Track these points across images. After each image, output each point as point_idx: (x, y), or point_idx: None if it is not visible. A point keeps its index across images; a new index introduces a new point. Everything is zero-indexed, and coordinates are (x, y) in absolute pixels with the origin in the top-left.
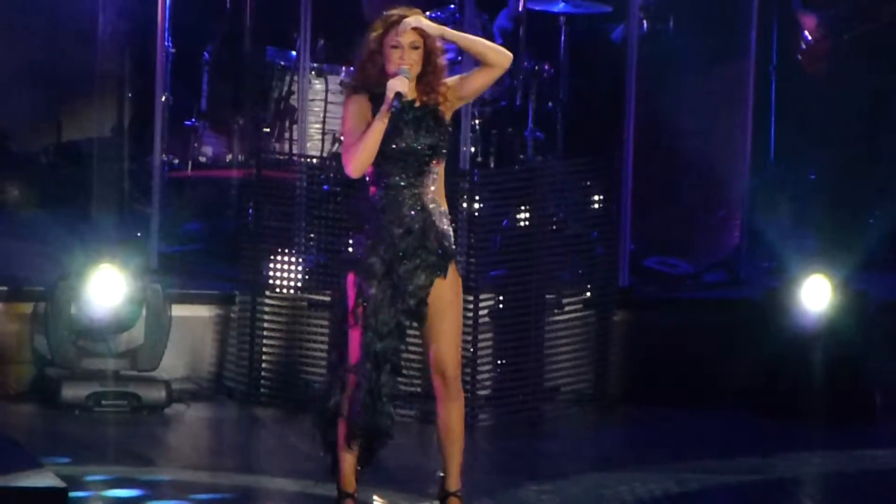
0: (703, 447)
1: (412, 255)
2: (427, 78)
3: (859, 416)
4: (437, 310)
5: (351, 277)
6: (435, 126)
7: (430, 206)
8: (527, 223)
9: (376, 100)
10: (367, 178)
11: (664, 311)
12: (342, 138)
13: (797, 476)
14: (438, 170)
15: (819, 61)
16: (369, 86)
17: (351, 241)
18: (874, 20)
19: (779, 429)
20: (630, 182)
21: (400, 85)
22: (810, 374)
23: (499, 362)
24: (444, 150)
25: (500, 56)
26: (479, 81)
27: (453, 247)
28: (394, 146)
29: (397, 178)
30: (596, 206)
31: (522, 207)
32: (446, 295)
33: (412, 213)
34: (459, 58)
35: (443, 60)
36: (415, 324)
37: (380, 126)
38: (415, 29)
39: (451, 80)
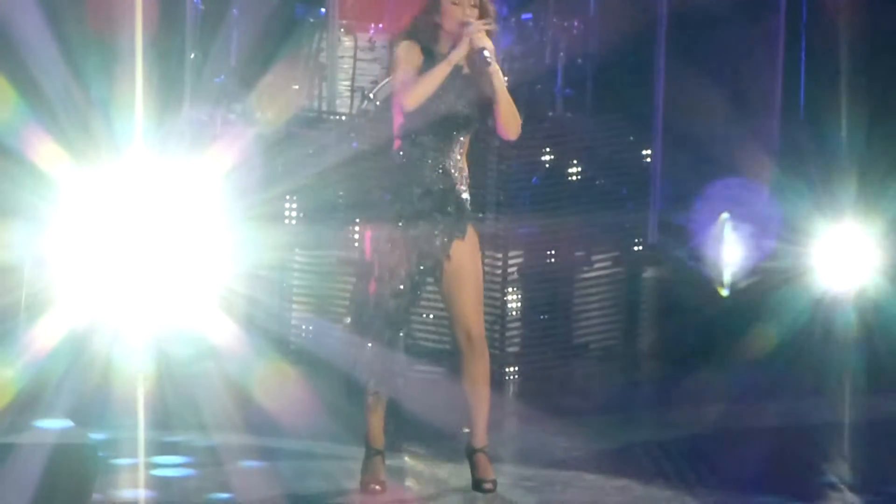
0: (731, 405)
1: (430, 215)
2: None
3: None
4: (456, 271)
5: (368, 233)
6: (475, 98)
7: (452, 170)
8: (556, 180)
9: (428, 53)
10: (395, 133)
11: (694, 269)
12: (393, 81)
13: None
14: (466, 139)
15: (847, 11)
16: (422, 39)
17: (371, 195)
18: None
19: (807, 394)
20: (660, 139)
21: (487, 42)
22: (843, 337)
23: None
24: (477, 121)
25: (511, 126)
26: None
27: (469, 210)
28: (433, 107)
29: (426, 138)
30: (626, 162)
31: (552, 165)
32: (464, 256)
33: (434, 174)
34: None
35: (494, 23)
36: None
37: (445, 68)
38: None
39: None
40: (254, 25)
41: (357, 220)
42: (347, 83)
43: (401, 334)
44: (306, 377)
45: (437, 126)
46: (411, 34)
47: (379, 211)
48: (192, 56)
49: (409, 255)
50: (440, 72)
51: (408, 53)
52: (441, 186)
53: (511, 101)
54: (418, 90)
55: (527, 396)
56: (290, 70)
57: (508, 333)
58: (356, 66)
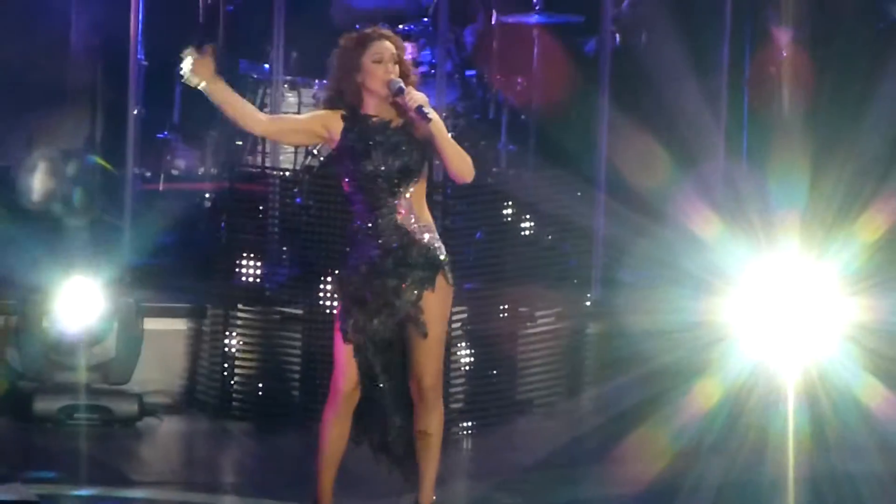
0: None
1: (394, 272)
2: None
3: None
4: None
5: (339, 297)
6: (408, 148)
7: (406, 224)
8: (500, 236)
9: (353, 114)
10: (349, 201)
11: (637, 323)
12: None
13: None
14: (414, 189)
15: (793, 75)
16: (344, 100)
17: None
18: (847, 39)
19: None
20: (603, 194)
21: (421, 98)
22: (782, 387)
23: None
24: (417, 171)
25: (463, 169)
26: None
27: (441, 257)
28: (364, 170)
29: (370, 200)
30: (568, 218)
31: (495, 220)
32: (432, 307)
33: (387, 232)
34: (433, 70)
35: (415, 78)
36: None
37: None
38: (393, 54)
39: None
40: None
41: (306, 278)
42: None
43: (381, 386)
44: (248, 433)
45: (375, 186)
46: (334, 99)
47: (345, 275)
48: (136, 112)
49: (380, 312)
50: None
51: (320, 114)
52: (398, 243)
53: (456, 144)
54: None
55: (471, 452)
56: (234, 126)
57: (452, 389)
58: None
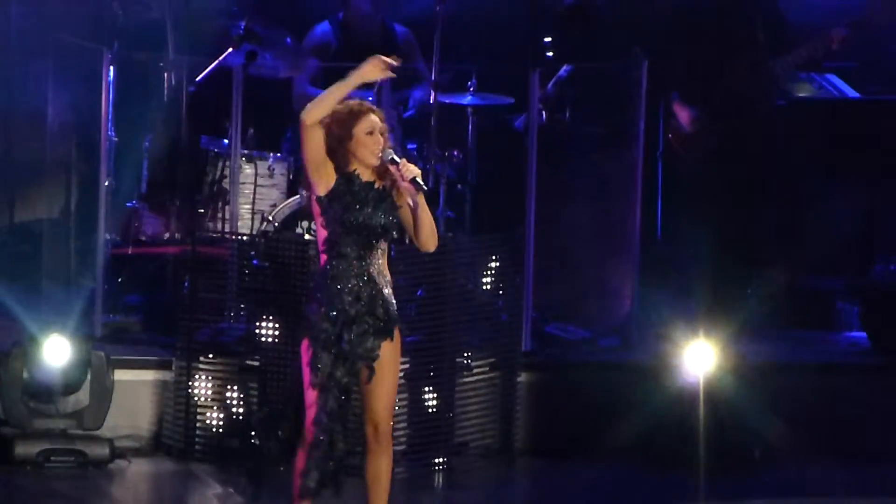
0: (596, 497)
1: (361, 321)
2: (382, 164)
3: (739, 468)
4: (378, 368)
5: (305, 342)
6: (388, 209)
7: (377, 276)
8: (439, 293)
9: (341, 173)
10: (321, 249)
11: (563, 373)
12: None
13: None
14: (385, 246)
15: (691, 148)
16: (333, 161)
17: (306, 308)
18: (740, 117)
19: (666, 480)
20: (532, 256)
21: (416, 171)
22: (694, 429)
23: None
24: (392, 231)
25: (430, 239)
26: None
27: (396, 312)
28: (352, 220)
29: (349, 250)
30: (501, 277)
31: (435, 279)
32: (388, 356)
33: (360, 282)
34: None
35: (392, 149)
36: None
37: (344, 89)
38: (382, 127)
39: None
40: (163, 155)
41: (263, 333)
42: (248, 206)
43: (339, 433)
44: (211, 474)
45: (357, 236)
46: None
47: (314, 321)
48: (107, 183)
49: (344, 358)
50: (341, 89)
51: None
52: (368, 292)
53: (431, 217)
54: (322, 105)
55: (412, 493)
56: (196, 194)
57: (395, 434)
58: (256, 191)
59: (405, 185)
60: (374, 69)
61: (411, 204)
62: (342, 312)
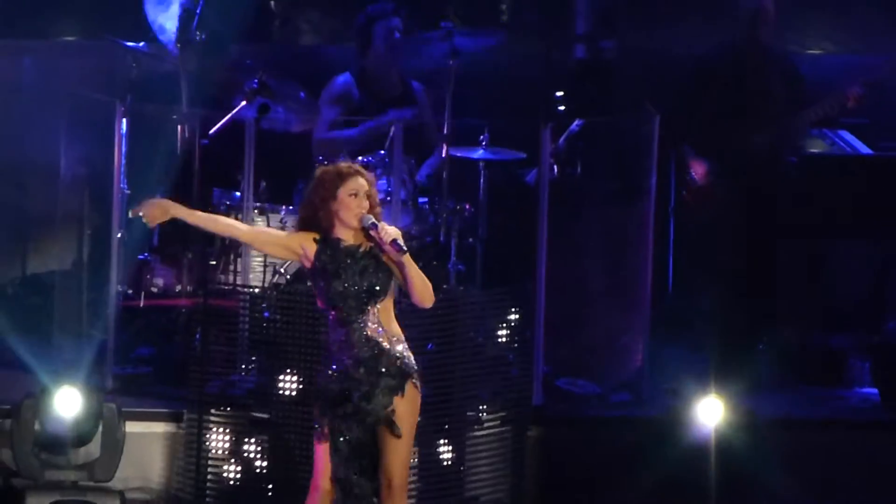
0: None
1: (366, 380)
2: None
3: None
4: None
5: (317, 409)
6: (375, 270)
7: (376, 336)
8: (450, 347)
9: (323, 237)
10: (323, 315)
11: (574, 427)
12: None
13: None
14: (381, 305)
15: (704, 201)
16: (318, 223)
17: (316, 374)
18: (757, 171)
19: None
20: (542, 310)
21: (396, 232)
22: (705, 485)
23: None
24: (384, 291)
25: (425, 296)
26: (398, 276)
27: (408, 366)
28: (337, 289)
29: (342, 316)
30: (511, 331)
31: (446, 333)
32: (402, 411)
33: (359, 344)
34: (388, 197)
35: (379, 209)
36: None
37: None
38: (367, 190)
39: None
40: None
41: (273, 386)
42: (260, 259)
43: (365, 489)
44: None
45: (345, 304)
46: (308, 220)
47: (322, 384)
48: (119, 235)
49: (354, 418)
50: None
51: (295, 235)
52: (368, 353)
53: (420, 272)
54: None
55: None
56: (208, 247)
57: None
58: None
59: (387, 247)
60: (385, 233)
61: (398, 264)
62: (346, 374)
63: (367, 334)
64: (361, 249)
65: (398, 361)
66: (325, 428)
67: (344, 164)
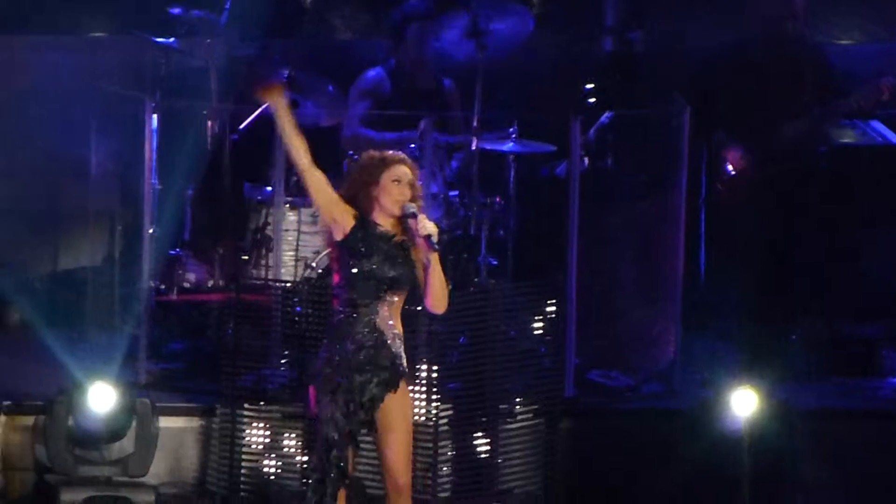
0: None
1: (364, 370)
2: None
3: None
4: (389, 422)
5: (312, 389)
6: (403, 262)
7: (383, 328)
8: (482, 339)
9: (361, 217)
10: (333, 293)
11: (606, 419)
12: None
13: None
14: (396, 298)
15: (736, 191)
16: (357, 205)
17: (315, 354)
18: (790, 159)
19: None
20: (574, 302)
21: (433, 228)
22: (738, 476)
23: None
24: (405, 284)
25: (440, 301)
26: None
27: (405, 366)
28: (360, 269)
29: (355, 297)
30: (543, 324)
31: (477, 326)
32: (397, 408)
33: (364, 330)
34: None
35: (421, 202)
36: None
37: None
38: (410, 179)
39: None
40: (206, 203)
41: (304, 379)
42: (292, 253)
43: (342, 481)
44: None
45: (364, 287)
46: (349, 198)
47: (318, 367)
48: (150, 231)
49: (346, 406)
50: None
51: (344, 205)
52: (372, 342)
53: (442, 278)
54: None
55: None
56: (240, 242)
57: (440, 480)
58: (300, 238)
59: (419, 240)
60: (423, 225)
61: (424, 262)
62: (345, 360)
63: (375, 322)
64: (395, 238)
65: (396, 360)
66: (321, 415)
67: (389, 151)
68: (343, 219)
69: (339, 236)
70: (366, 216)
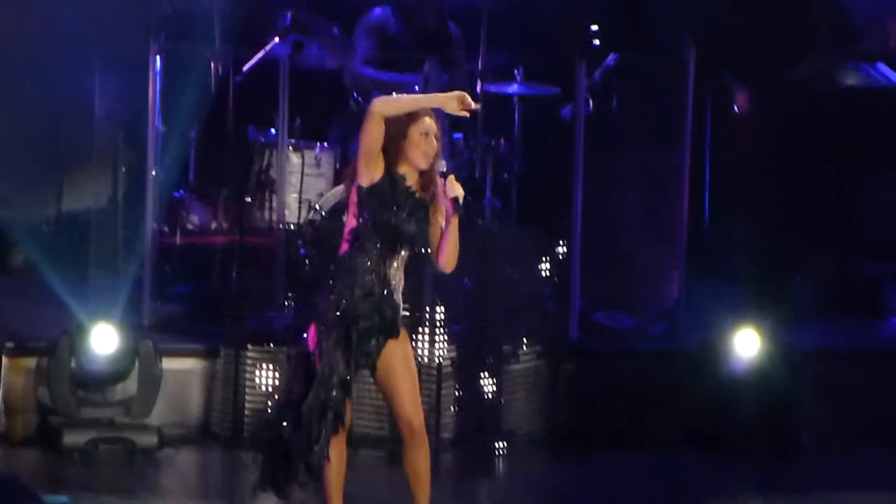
0: (644, 484)
1: (368, 316)
2: (430, 172)
3: (788, 454)
4: (392, 368)
5: (313, 328)
6: (422, 220)
7: (391, 279)
8: (485, 283)
9: (388, 170)
10: (346, 238)
11: (611, 361)
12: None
13: None
14: (406, 253)
15: (742, 132)
16: (385, 157)
17: (318, 294)
18: (797, 100)
19: (713, 466)
20: (578, 245)
21: (460, 190)
22: (743, 416)
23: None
24: (420, 242)
25: (450, 262)
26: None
27: (401, 319)
28: (385, 218)
29: (370, 245)
30: (548, 266)
31: (481, 269)
32: (398, 354)
33: (373, 279)
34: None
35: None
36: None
37: (423, 100)
38: (436, 132)
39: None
40: (210, 145)
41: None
42: (295, 196)
43: (338, 424)
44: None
45: (383, 235)
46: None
47: (323, 308)
48: (154, 173)
49: (346, 351)
50: (417, 100)
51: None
52: (379, 290)
53: (457, 240)
54: (395, 103)
55: (460, 481)
56: (244, 184)
57: (443, 421)
58: (303, 180)
59: (445, 200)
60: (452, 102)
61: (443, 222)
62: (351, 305)
63: (386, 273)
64: (417, 196)
65: (396, 315)
66: (319, 355)
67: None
68: (376, 165)
69: (366, 182)
70: (391, 168)
